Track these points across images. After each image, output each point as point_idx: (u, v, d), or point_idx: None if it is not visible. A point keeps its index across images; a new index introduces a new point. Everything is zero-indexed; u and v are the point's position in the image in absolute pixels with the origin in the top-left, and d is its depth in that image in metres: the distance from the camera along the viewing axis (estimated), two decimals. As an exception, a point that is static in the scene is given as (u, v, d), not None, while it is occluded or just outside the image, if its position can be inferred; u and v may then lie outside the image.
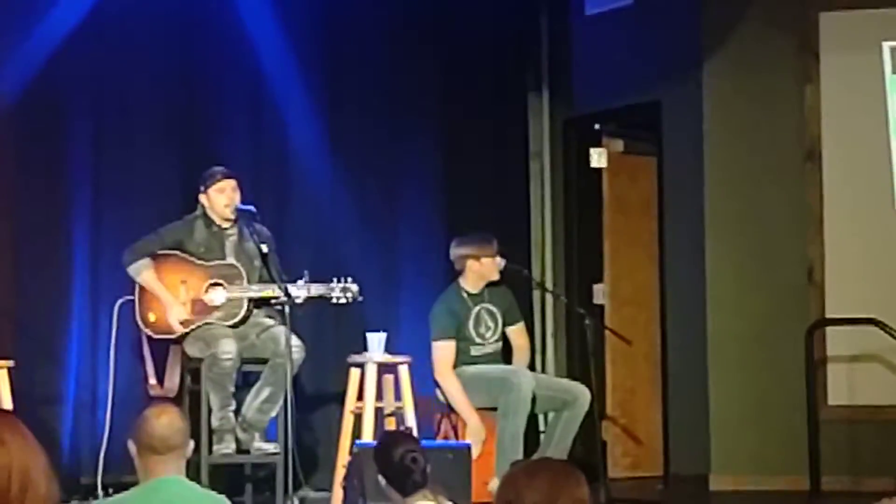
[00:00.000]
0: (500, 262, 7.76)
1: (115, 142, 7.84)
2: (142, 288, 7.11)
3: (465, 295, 7.73)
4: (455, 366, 7.60)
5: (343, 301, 7.10)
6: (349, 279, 7.11)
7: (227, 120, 8.14)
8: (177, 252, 7.14)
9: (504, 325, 7.81)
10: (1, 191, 7.50)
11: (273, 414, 6.99)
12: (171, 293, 7.07)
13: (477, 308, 7.72)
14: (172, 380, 7.17)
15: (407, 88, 8.67)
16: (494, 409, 7.43)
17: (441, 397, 7.64)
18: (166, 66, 7.98)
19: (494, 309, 7.77)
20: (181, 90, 8.03)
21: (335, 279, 7.10)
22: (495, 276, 7.77)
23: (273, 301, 7.07)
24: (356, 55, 8.49)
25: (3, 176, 7.51)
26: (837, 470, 7.93)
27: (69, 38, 7.59)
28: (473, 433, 7.37)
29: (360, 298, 7.11)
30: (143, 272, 7.09)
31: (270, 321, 7.12)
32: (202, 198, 7.19)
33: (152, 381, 7.16)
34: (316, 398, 8.05)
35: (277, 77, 8.22)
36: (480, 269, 7.73)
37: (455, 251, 7.78)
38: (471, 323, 7.69)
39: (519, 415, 7.31)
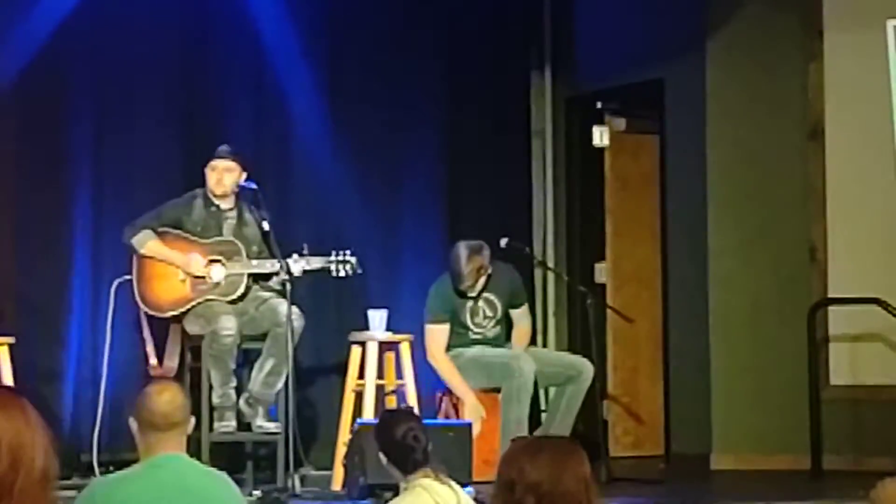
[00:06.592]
0: (503, 241, 7.73)
1: (116, 121, 7.82)
2: (140, 266, 7.07)
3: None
4: (451, 348, 7.53)
5: (342, 274, 7.07)
6: (347, 252, 7.09)
7: (229, 99, 8.12)
8: (174, 230, 7.11)
9: (508, 307, 7.71)
10: (2, 170, 7.48)
11: (279, 387, 6.97)
12: (168, 271, 7.05)
13: (470, 303, 7.54)
14: (172, 360, 7.16)
15: (409, 66, 8.65)
16: (494, 389, 7.41)
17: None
18: (168, 45, 7.96)
19: (493, 297, 7.60)
20: (183, 69, 8.01)
21: (334, 252, 7.08)
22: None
23: (273, 277, 7.04)
24: (357, 34, 8.45)
25: (3, 155, 7.49)
26: (839, 449, 7.92)
27: (70, 16, 7.56)
28: (471, 411, 7.35)
29: (360, 271, 7.09)
30: (147, 242, 7.06)
31: (268, 294, 7.10)
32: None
33: (153, 360, 7.14)
34: (317, 376, 8.05)
35: (279, 55, 8.19)
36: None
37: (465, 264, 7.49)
38: (467, 314, 7.56)
39: (522, 400, 7.26)
